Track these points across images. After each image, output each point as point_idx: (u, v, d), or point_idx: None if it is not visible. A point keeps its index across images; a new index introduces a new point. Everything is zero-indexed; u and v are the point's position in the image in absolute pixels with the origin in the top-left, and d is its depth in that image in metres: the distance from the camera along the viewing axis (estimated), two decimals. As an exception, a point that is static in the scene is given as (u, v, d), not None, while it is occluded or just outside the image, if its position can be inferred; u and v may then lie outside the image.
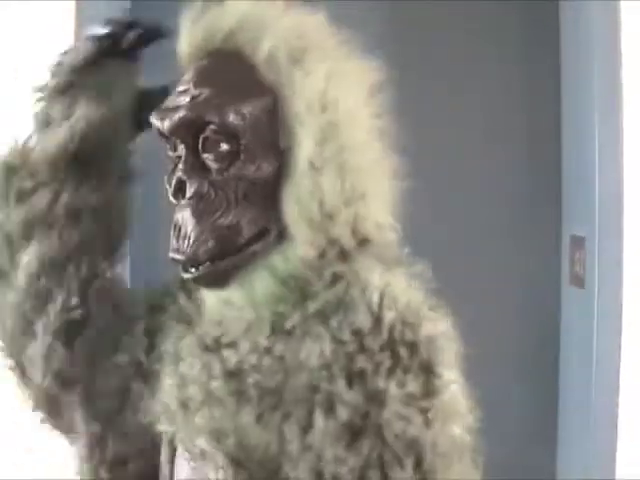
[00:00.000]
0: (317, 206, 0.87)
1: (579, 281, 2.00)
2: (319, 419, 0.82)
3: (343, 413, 0.81)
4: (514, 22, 2.24)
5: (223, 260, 0.89)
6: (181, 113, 0.89)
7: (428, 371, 0.85)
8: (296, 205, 0.88)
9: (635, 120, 1.85)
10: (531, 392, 2.26)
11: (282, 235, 0.90)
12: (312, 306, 0.86)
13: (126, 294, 1.04)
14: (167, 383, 0.91)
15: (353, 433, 0.81)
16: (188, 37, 0.97)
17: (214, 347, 0.89)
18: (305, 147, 0.88)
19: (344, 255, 0.89)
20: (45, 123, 1.07)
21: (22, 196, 1.03)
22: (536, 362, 2.25)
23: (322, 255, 0.89)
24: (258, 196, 0.89)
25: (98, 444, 1.00)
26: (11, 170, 1.05)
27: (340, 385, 0.82)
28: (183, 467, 0.94)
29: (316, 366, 0.83)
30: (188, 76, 0.94)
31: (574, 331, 2.05)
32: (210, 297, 0.94)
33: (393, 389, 0.82)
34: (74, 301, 0.99)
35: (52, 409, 1.04)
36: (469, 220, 2.26)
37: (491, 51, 2.25)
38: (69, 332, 0.98)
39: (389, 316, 0.84)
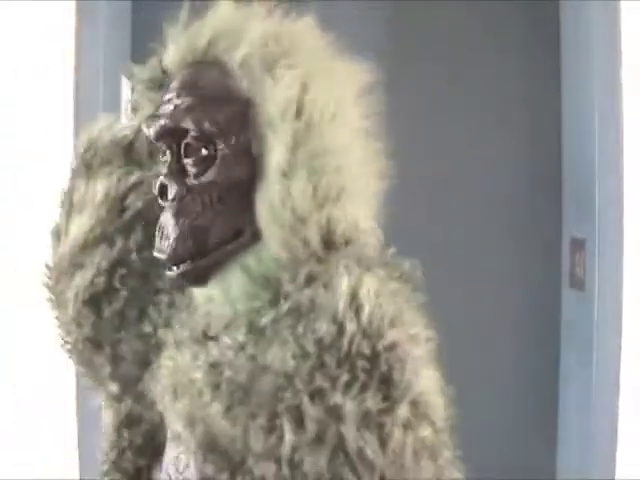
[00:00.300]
0: (288, 211, 0.90)
1: (579, 283, 2.00)
2: (288, 431, 0.84)
3: (311, 428, 0.83)
4: (515, 22, 2.24)
5: (201, 259, 0.93)
6: (163, 121, 0.94)
7: (388, 384, 0.85)
8: (268, 210, 0.91)
9: (635, 122, 1.85)
10: (531, 394, 2.26)
11: (257, 235, 0.93)
12: (284, 307, 0.89)
13: (155, 266, 1.05)
14: (164, 365, 0.96)
15: (319, 446, 0.84)
16: (174, 47, 1.01)
17: (201, 339, 0.94)
18: (276, 153, 0.91)
19: (320, 256, 0.91)
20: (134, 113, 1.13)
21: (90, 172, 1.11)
22: (536, 364, 2.25)
23: (296, 256, 0.91)
24: (233, 199, 0.94)
25: (116, 401, 1.07)
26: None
27: (305, 401, 0.84)
28: (171, 446, 1.00)
29: (280, 372, 0.85)
30: (174, 85, 0.98)
31: (574, 333, 2.05)
32: (197, 292, 0.99)
33: (350, 405, 0.83)
34: (102, 277, 1.04)
35: (88, 367, 1.10)
36: (469, 222, 2.26)
37: (491, 51, 2.25)
38: (97, 301, 1.04)
39: (351, 328, 0.85)
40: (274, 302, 0.90)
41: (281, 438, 0.84)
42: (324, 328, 0.85)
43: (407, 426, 0.85)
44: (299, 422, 0.83)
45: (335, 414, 0.83)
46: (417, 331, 0.93)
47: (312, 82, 0.93)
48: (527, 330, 2.25)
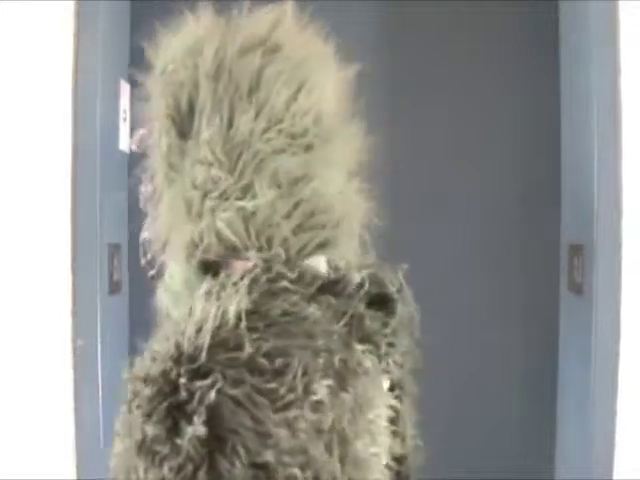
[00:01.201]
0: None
1: (577, 289, 2.00)
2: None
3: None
4: (513, 23, 2.24)
5: None
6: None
7: (175, 417, 0.84)
8: None
9: (634, 127, 1.85)
10: (530, 397, 2.26)
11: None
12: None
13: None
14: None
15: None
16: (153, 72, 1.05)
17: None
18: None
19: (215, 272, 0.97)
20: None
21: None
22: (535, 369, 2.25)
23: (198, 274, 0.98)
24: None
25: None
26: None
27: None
28: None
29: None
30: None
31: (573, 338, 2.05)
32: None
33: (143, 435, 0.84)
34: None
35: None
36: (468, 228, 2.25)
37: (490, 56, 2.25)
38: None
39: (163, 358, 0.88)
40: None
41: None
42: (155, 348, 0.91)
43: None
44: None
45: (137, 447, 0.86)
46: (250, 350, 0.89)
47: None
48: (526, 335, 2.25)
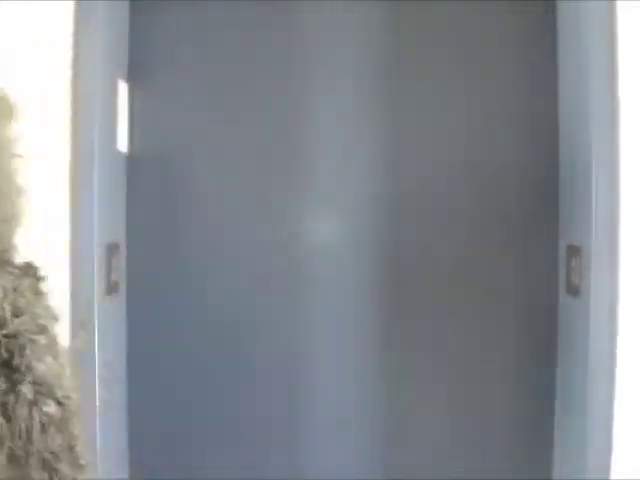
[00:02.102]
0: None
1: (575, 290, 2.00)
2: None
3: None
4: (511, 24, 2.24)
5: None
6: None
7: (9, 367, 0.99)
8: None
9: (632, 129, 1.85)
10: (527, 400, 2.26)
11: None
12: None
13: None
14: None
15: None
16: None
17: None
18: None
19: None
20: None
21: None
22: (532, 370, 2.25)
23: None
24: None
25: None
26: None
27: None
28: None
29: None
30: None
31: (570, 339, 2.05)
32: None
33: None
34: None
35: None
36: (466, 230, 2.26)
37: (488, 57, 2.25)
38: None
39: None
40: None
41: None
42: None
43: (32, 403, 0.99)
44: None
45: None
46: (44, 322, 1.07)
47: None
48: (524, 336, 2.25)
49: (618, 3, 1.84)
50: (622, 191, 1.87)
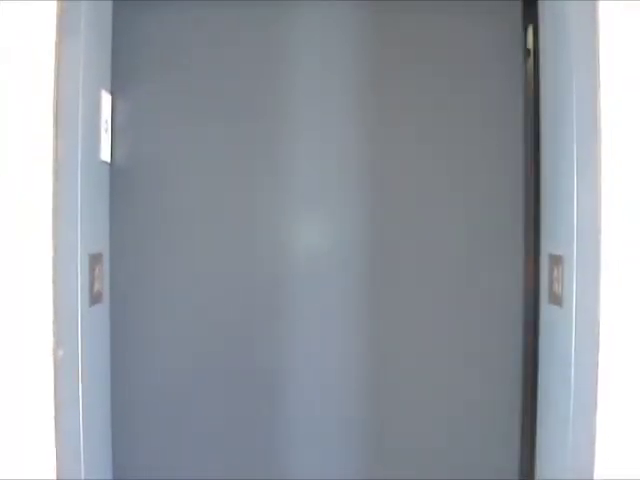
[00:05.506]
0: None
1: (557, 299, 2.01)
2: None
3: None
4: (491, 32, 2.26)
5: None
6: None
7: None
8: None
9: (613, 139, 1.86)
10: (509, 408, 2.26)
11: None
12: None
13: None
14: None
15: None
16: None
17: None
18: None
19: None
20: None
21: None
22: (515, 379, 2.25)
23: None
24: None
25: None
26: None
27: None
28: None
29: None
30: None
31: (552, 349, 2.06)
32: None
33: None
34: None
35: None
36: (449, 239, 2.26)
37: (475, 64, 2.26)
38: None
39: None
40: None
41: None
42: None
43: None
44: None
45: None
46: None
47: None
48: (506, 346, 2.26)
49: (600, 3, 1.85)
50: (603, 200, 1.88)
